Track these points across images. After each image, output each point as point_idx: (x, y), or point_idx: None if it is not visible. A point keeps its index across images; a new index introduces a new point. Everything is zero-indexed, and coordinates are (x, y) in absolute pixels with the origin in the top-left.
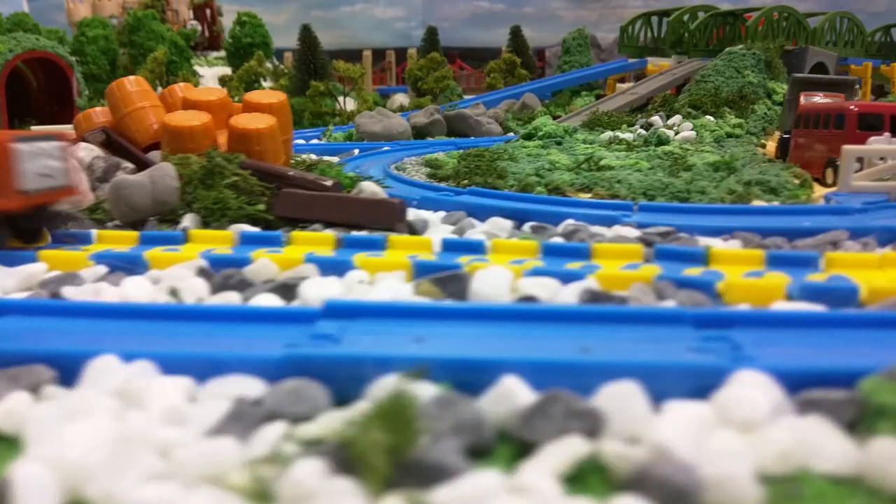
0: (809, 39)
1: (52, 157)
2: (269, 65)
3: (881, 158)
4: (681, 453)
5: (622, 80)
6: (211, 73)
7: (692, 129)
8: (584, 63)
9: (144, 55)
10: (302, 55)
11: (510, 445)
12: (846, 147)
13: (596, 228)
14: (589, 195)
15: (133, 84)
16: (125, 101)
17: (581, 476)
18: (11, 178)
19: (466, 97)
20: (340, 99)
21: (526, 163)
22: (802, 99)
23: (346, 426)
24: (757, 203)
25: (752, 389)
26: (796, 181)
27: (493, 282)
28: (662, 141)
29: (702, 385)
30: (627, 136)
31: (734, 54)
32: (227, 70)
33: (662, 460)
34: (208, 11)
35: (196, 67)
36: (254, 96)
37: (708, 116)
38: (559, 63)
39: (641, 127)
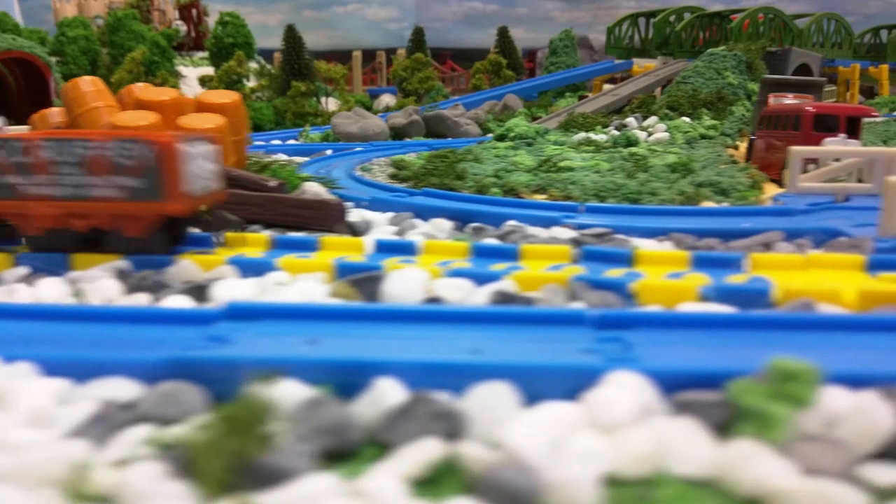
0: (796, 41)
1: (208, 159)
2: (254, 64)
3: (836, 160)
4: (531, 456)
5: (612, 81)
6: (195, 74)
7: (666, 131)
8: (571, 64)
9: (125, 55)
10: (286, 56)
11: (376, 448)
12: (792, 148)
13: (533, 230)
14: (544, 196)
15: (88, 84)
16: (79, 101)
17: (436, 479)
18: (179, 180)
19: (455, 98)
20: (324, 99)
21: (490, 164)
22: (772, 100)
23: (191, 430)
24: (706, 204)
25: (621, 391)
26: (749, 183)
27: (405, 283)
28: (631, 142)
29: (579, 386)
30: (601, 137)
31: (715, 55)
32: (210, 70)
33: (504, 463)
34: (194, 11)
35: (181, 67)
36: (206, 96)
37: (684, 118)
38: (546, 64)
39: (615, 128)
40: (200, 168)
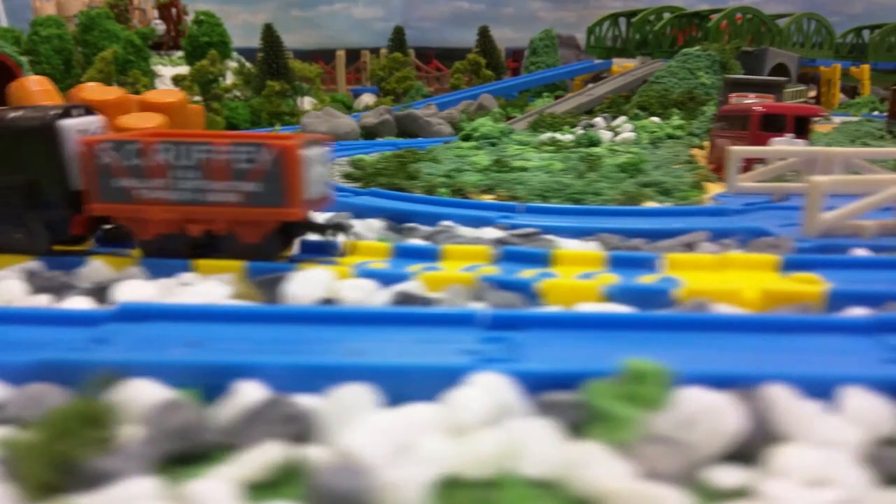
0: (774, 41)
1: (321, 163)
2: (233, 63)
3: (780, 159)
4: (367, 458)
5: (595, 80)
6: (172, 73)
7: (632, 131)
8: (551, 64)
9: (98, 54)
10: (265, 55)
11: (226, 451)
12: (730, 148)
13: (464, 230)
14: (492, 196)
15: (35, 84)
16: (25, 101)
17: (277, 482)
18: (299, 185)
19: (432, 98)
20: (302, 98)
21: (447, 164)
22: (733, 100)
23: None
24: (648, 204)
25: (480, 392)
26: (692, 182)
27: (306, 284)
28: (593, 142)
29: (443, 387)
30: (567, 137)
31: (689, 55)
32: (185, 69)
33: (337, 466)
34: (174, 11)
35: (159, 67)
36: (149, 96)
37: (654, 118)
38: (526, 64)
39: (583, 128)
40: (316, 172)
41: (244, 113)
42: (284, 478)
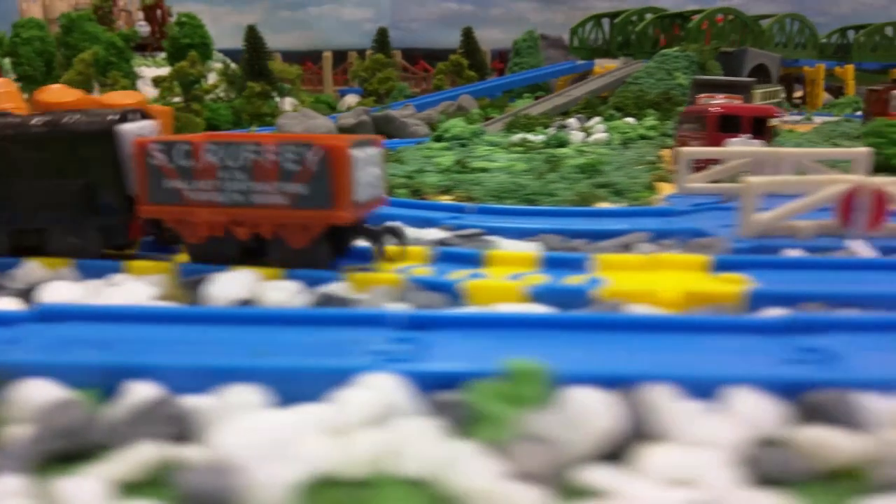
0: (756, 41)
1: (375, 164)
2: (218, 65)
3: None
4: (237, 458)
5: (580, 80)
6: (155, 74)
7: (605, 132)
8: (534, 64)
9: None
10: (247, 56)
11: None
12: (679, 149)
13: (409, 231)
14: (450, 197)
15: None
16: None
17: (150, 482)
18: (348, 187)
19: (411, 98)
20: (283, 99)
21: (413, 164)
22: (702, 101)
23: None
24: (602, 205)
25: (368, 392)
26: (645, 183)
27: (228, 285)
28: (562, 143)
29: (334, 387)
30: (540, 137)
31: (667, 56)
32: (164, 71)
33: (205, 465)
34: (159, 12)
35: (143, 68)
36: (109, 97)
37: (629, 118)
38: (510, 65)
39: (556, 129)
40: (368, 174)
41: (226, 114)
42: (157, 477)
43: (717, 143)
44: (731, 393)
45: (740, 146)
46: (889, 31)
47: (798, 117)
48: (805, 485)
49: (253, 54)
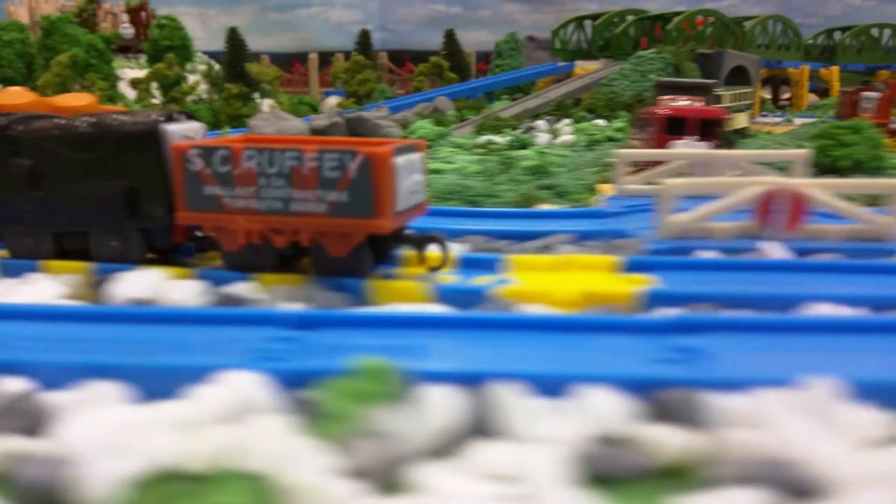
0: (737, 43)
1: (417, 170)
2: (202, 66)
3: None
4: (79, 450)
5: (560, 81)
6: (132, 76)
7: (572, 134)
8: (516, 66)
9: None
10: (228, 58)
11: None
12: (617, 151)
13: None
14: None
15: None
16: None
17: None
18: (390, 195)
19: (387, 100)
20: (264, 101)
21: None
22: (663, 103)
23: None
24: (543, 207)
25: (225, 389)
26: (587, 185)
27: (131, 285)
28: (524, 145)
29: (196, 384)
30: (507, 139)
31: (643, 58)
32: (142, 73)
33: (40, 458)
34: (143, 14)
35: (126, 70)
36: (59, 100)
37: (599, 120)
38: (491, 67)
39: (524, 131)
40: (410, 181)
41: (206, 116)
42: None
43: (663, 145)
44: (582, 391)
45: (685, 148)
46: (875, 32)
47: (779, 119)
48: (632, 482)
49: (234, 56)
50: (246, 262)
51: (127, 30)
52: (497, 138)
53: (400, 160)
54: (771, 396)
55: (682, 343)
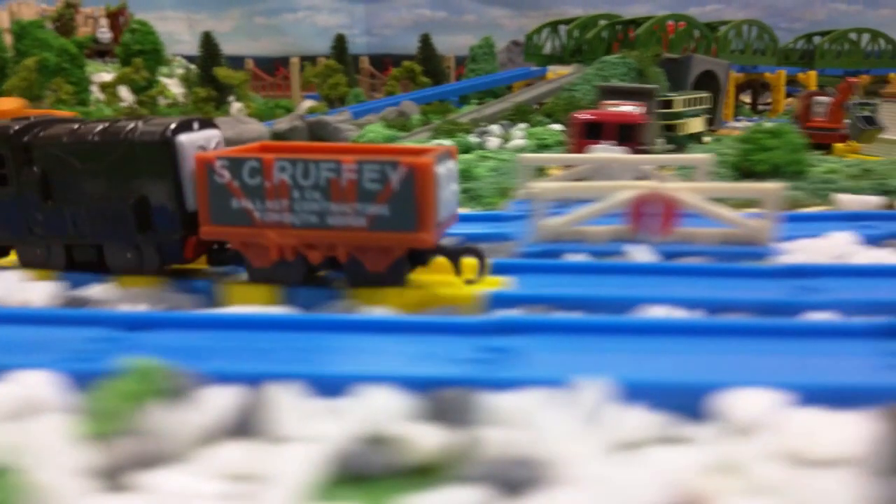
0: (710, 48)
1: (453, 180)
2: (181, 70)
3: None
4: None
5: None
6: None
7: (523, 138)
8: (490, 70)
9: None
10: (203, 63)
11: None
12: (519, 156)
13: None
14: None
15: None
16: None
17: None
18: (433, 207)
19: (362, 104)
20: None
21: None
22: (606, 108)
23: None
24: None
25: (9, 388)
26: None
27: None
28: (467, 149)
29: None
30: (451, 144)
31: (606, 63)
32: (110, 77)
33: None
34: (122, 19)
35: (103, 74)
36: None
37: (556, 125)
38: (466, 71)
39: (478, 136)
40: (448, 190)
41: None
42: None
43: (582, 150)
44: (364, 391)
45: (602, 153)
46: (854, 36)
47: (750, 123)
48: (380, 480)
49: (207, 60)
50: (274, 278)
51: (105, 34)
52: (447, 143)
53: (441, 170)
54: (543, 396)
55: (496, 344)
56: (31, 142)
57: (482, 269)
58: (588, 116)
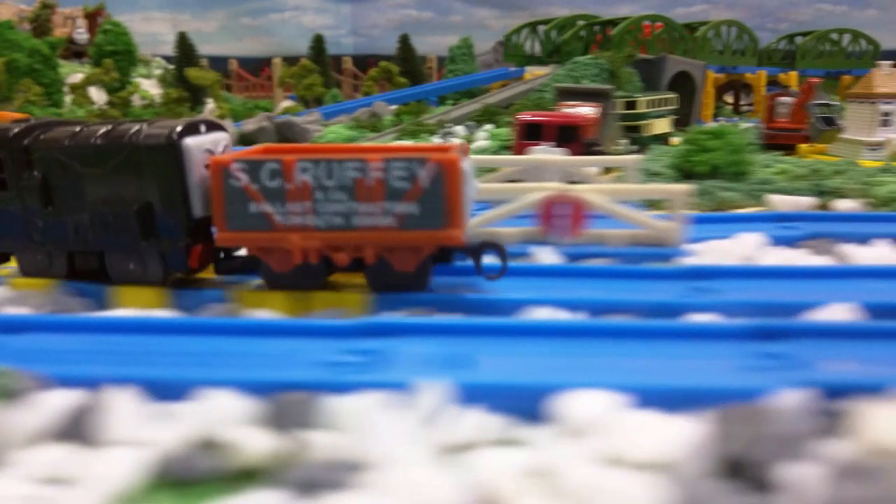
0: (688, 49)
1: (472, 177)
2: (159, 70)
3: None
4: None
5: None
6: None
7: (486, 139)
8: (468, 71)
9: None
10: (178, 63)
11: None
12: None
13: None
14: None
15: None
16: None
17: None
18: (461, 204)
19: (340, 104)
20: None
21: None
22: (563, 110)
23: None
24: None
25: None
26: None
27: None
28: None
29: None
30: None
31: (578, 64)
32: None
33: None
34: (100, 20)
35: (80, 75)
36: None
37: None
38: (444, 72)
39: (441, 137)
40: (471, 187)
41: None
42: None
43: (521, 151)
44: (207, 395)
45: (540, 154)
46: (835, 36)
47: (728, 124)
48: (201, 483)
49: (182, 61)
50: (293, 282)
51: (82, 34)
52: (411, 144)
53: (466, 166)
54: (381, 400)
55: (364, 346)
56: (32, 145)
57: (504, 266)
58: (528, 118)
